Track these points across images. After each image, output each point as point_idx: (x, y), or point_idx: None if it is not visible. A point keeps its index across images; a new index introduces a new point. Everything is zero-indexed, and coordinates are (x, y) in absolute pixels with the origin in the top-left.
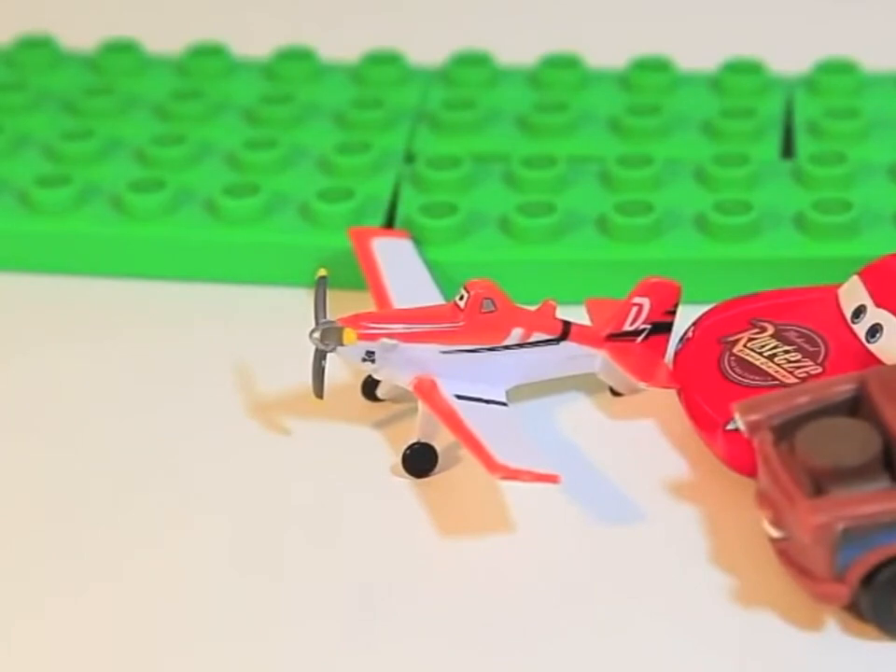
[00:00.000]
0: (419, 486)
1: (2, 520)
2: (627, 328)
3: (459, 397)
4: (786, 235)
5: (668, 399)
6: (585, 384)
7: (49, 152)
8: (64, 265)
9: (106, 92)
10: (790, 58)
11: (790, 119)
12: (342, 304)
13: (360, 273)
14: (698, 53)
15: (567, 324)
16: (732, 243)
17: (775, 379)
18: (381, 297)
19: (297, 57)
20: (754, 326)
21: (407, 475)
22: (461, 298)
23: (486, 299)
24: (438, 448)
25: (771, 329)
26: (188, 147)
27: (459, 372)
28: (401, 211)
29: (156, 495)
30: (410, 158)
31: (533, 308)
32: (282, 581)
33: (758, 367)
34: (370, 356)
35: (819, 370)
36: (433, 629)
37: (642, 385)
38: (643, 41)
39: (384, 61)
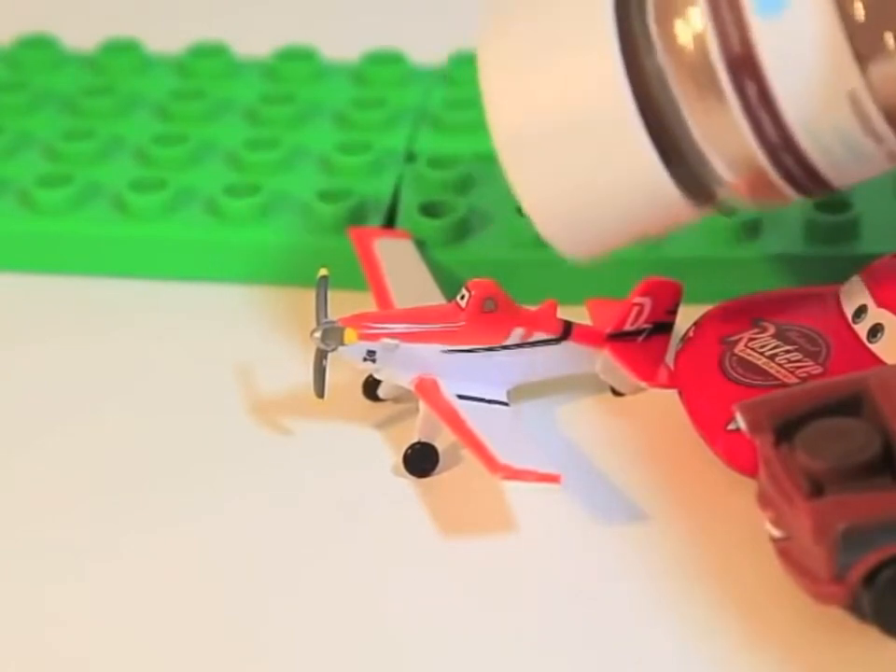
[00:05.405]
0: (420, 486)
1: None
2: (628, 327)
3: (460, 396)
4: (785, 235)
5: (669, 399)
6: (586, 384)
7: (49, 152)
8: (64, 265)
9: (107, 92)
10: None
11: None
12: (342, 304)
13: (361, 273)
14: None
15: (567, 324)
16: (731, 243)
17: (776, 379)
18: (382, 297)
19: (297, 57)
20: (755, 326)
21: (408, 475)
22: (462, 297)
23: (487, 298)
24: (439, 448)
25: (772, 329)
26: (188, 147)
27: (460, 372)
28: (401, 211)
29: (155, 494)
30: (410, 158)
31: (534, 308)
32: (282, 581)
33: (759, 367)
34: (371, 355)
35: (820, 370)
36: (433, 629)
37: (643, 384)
38: None
39: (384, 61)
